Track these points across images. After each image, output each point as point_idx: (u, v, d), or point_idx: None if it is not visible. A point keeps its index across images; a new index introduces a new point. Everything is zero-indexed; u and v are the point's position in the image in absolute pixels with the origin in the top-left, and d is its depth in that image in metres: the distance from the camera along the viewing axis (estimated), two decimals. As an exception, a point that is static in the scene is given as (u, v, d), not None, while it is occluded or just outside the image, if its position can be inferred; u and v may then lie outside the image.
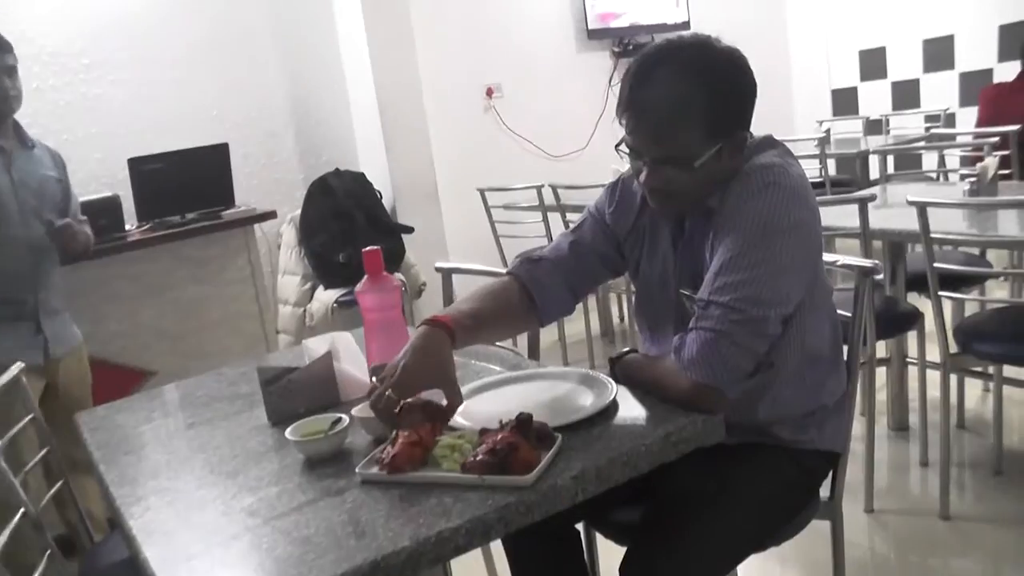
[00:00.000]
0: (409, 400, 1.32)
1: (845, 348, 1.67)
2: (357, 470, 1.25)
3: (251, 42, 4.55)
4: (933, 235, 2.30)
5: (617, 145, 1.51)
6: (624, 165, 1.60)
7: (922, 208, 2.28)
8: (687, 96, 1.40)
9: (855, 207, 2.66)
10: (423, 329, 1.41)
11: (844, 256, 1.71)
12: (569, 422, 1.33)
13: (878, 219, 2.71)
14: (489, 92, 5.40)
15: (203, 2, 4.39)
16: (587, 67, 5.86)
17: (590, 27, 5.71)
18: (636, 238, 1.67)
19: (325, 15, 4.77)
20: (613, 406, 1.38)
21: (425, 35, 4.91)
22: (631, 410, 1.38)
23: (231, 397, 1.79)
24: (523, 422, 1.24)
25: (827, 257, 1.71)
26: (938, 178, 4.81)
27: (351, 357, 1.68)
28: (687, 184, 1.45)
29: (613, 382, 1.46)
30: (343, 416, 1.40)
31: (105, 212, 3.33)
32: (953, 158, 4.85)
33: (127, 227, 3.55)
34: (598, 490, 1.19)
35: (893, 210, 2.96)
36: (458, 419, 1.41)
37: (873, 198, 2.56)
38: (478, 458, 1.19)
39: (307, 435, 1.38)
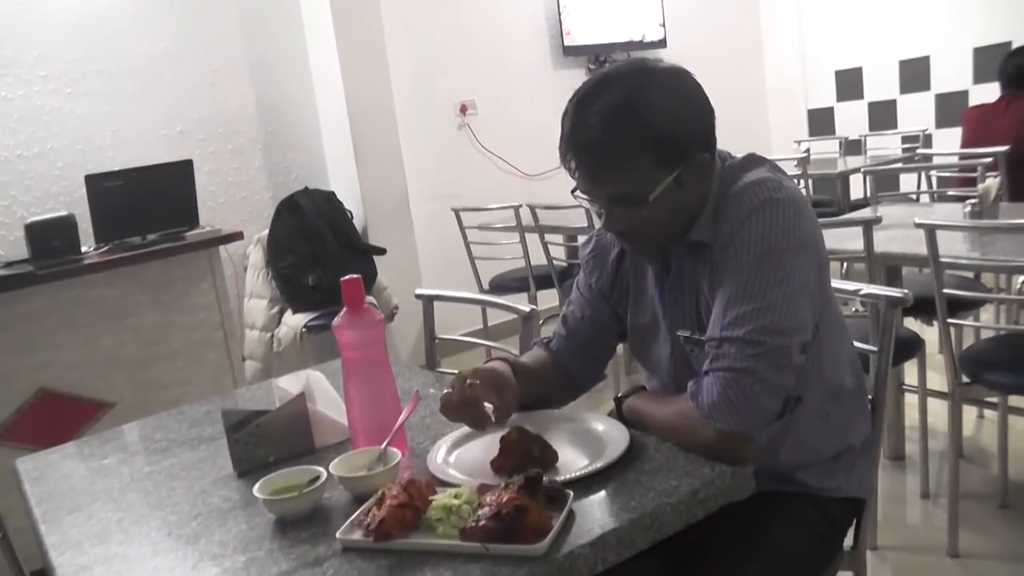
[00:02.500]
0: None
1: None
2: (338, 535, 1.08)
3: (218, 56, 4.37)
4: (943, 259, 2.18)
5: (573, 191, 1.40)
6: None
7: (931, 231, 2.17)
8: (622, 130, 1.29)
9: (842, 230, 2.54)
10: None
11: (868, 285, 1.58)
12: (579, 475, 1.18)
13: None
14: (463, 109, 5.27)
15: (168, 13, 4.20)
16: (563, 84, 5.69)
17: (565, 44, 5.60)
18: (621, 288, 1.55)
19: (294, 28, 4.61)
20: (627, 455, 1.23)
21: (398, 50, 4.77)
22: (648, 461, 1.22)
23: (193, 441, 1.61)
24: (531, 480, 1.08)
25: (848, 286, 1.59)
26: (918, 199, 4.74)
27: (326, 398, 1.51)
28: (650, 220, 1.34)
29: (624, 427, 1.31)
30: (319, 470, 1.23)
31: (59, 232, 3.13)
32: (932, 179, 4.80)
33: (84, 249, 3.34)
34: (620, 558, 1.04)
35: (888, 232, 2.85)
36: (452, 472, 1.25)
37: (879, 220, 2.45)
38: (480, 523, 1.03)
39: (278, 492, 1.21)
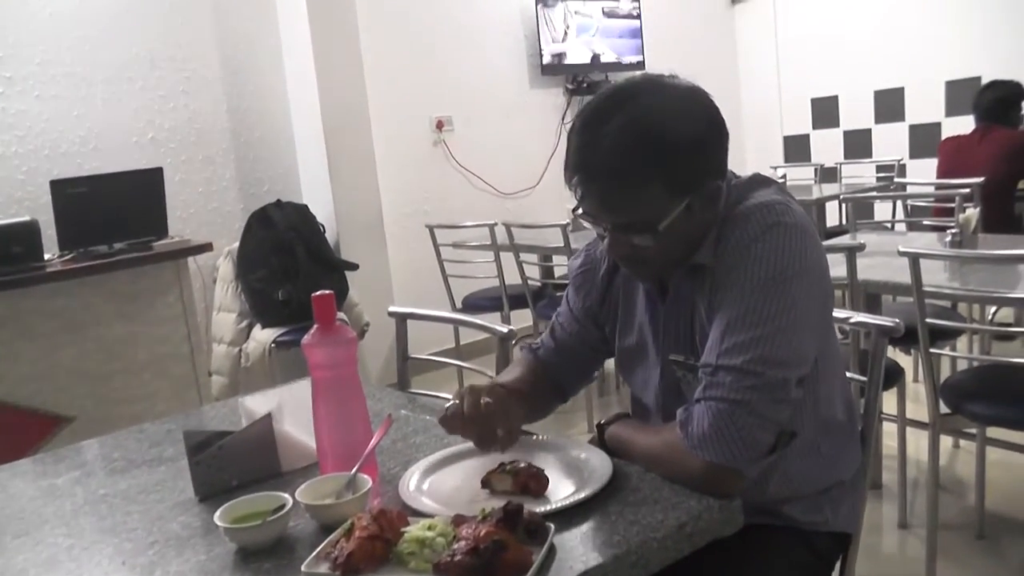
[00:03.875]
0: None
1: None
2: (303, 568, 1.01)
3: (191, 63, 4.29)
4: (926, 288, 2.16)
5: (574, 209, 1.32)
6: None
7: (914, 260, 2.14)
8: (638, 156, 1.20)
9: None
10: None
11: (858, 313, 1.54)
12: (561, 507, 1.12)
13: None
14: (439, 125, 5.23)
15: (141, 19, 4.13)
16: (540, 103, 5.73)
17: (543, 63, 5.59)
18: (610, 306, 1.49)
19: (270, 39, 4.54)
20: (610, 486, 1.17)
21: (375, 64, 4.72)
22: (632, 492, 1.16)
23: (152, 462, 1.53)
24: (511, 513, 1.02)
25: (839, 314, 1.55)
26: (892, 227, 4.76)
27: (297, 417, 1.44)
28: (657, 249, 1.26)
29: (607, 456, 1.26)
30: (285, 497, 1.16)
31: (20, 238, 3.04)
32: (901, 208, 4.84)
33: (47, 256, 3.24)
34: (603, 598, 0.98)
35: (868, 260, 2.83)
36: (425, 501, 1.19)
37: (862, 247, 2.42)
38: (455, 558, 0.96)
39: (241, 519, 1.14)
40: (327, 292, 1.32)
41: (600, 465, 1.23)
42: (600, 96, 1.27)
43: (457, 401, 1.28)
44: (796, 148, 6.64)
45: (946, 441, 3.23)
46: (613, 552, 1.01)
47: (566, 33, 5.66)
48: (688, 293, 1.33)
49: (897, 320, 1.46)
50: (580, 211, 1.30)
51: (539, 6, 5.48)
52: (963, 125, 4.58)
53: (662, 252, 1.28)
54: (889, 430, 2.96)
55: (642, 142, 1.20)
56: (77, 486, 1.46)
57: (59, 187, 3.30)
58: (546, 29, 5.55)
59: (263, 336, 3.90)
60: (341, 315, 3.92)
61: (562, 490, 1.18)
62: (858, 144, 6.22)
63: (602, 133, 1.22)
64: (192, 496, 1.33)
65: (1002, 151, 3.98)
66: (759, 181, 1.34)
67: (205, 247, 3.56)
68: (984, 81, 4.62)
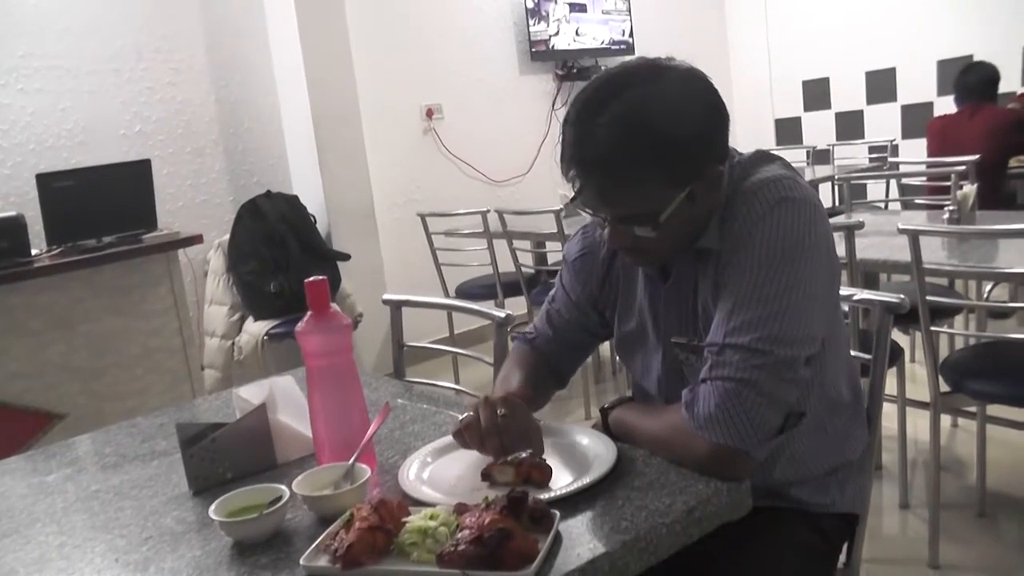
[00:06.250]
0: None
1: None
2: (302, 562, 0.98)
3: (179, 54, 4.24)
4: (927, 266, 2.13)
5: (572, 200, 1.27)
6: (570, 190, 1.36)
7: (914, 237, 2.12)
8: (636, 149, 1.16)
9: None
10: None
11: (862, 291, 1.51)
12: (566, 493, 1.09)
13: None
14: (429, 113, 5.18)
15: (126, 8, 4.07)
16: (530, 90, 5.68)
17: (533, 49, 5.54)
18: (610, 290, 1.46)
19: (258, 29, 4.49)
20: (615, 471, 1.15)
21: (363, 52, 4.67)
22: (638, 476, 1.14)
23: (145, 456, 1.50)
24: (516, 500, 0.99)
25: (842, 291, 1.52)
26: (886, 207, 4.74)
27: (291, 407, 1.41)
28: (660, 238, 1.23)
29: (611, 440, 1.23)
30: (282, 489, 1.13)
31: (6, 233, 2.99)
32: (894, 188, 4.82)
33: (34, 252, 3.20)
34: (612, 586, 0.95)
35: (865, 239, 2.81)
36: (426, 490, 1.16)
37: (861, 225, 2.40)
38: (459, 548, 0.94)
39: (236, 513, 1.10)
40: (320, 278, 1.28)
41: (604, 450, 1.20)
42: (594, 84, 1.22)
43: (471, 413, 1.24)
44: (788, 131, 6.62)
45: (945, 420, 3.22)
46: (621, 538, 0.98)
47: (554, 18, 5.62)
48: (691, 275, 1.31)
49: (902, 296, 1.44)
50: (576, 199, 1.26)
51: (528, -9, 5.44)
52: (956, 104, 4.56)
53: (665, 241, 1.24)
54: (888, 411, 2.93)
55: (639, 135, 1.16)
56: (68, 483, 1.43)
57: (45, 181, 3.25)
58: (535, 15, 5.50)
59: (256, 329, 3.86)
60: (334, 306, 3.89)
61: (566, 477, 1.16)
62: (850, 125, 6.21)
63: (597, 125, 1.18)
64: (186, 490, 1.30)
65: (993, 128, 3.98)
66: (763, 157, 1.31)
67: (195, 239, 3.52)
68: (976, 60, 4.61)
